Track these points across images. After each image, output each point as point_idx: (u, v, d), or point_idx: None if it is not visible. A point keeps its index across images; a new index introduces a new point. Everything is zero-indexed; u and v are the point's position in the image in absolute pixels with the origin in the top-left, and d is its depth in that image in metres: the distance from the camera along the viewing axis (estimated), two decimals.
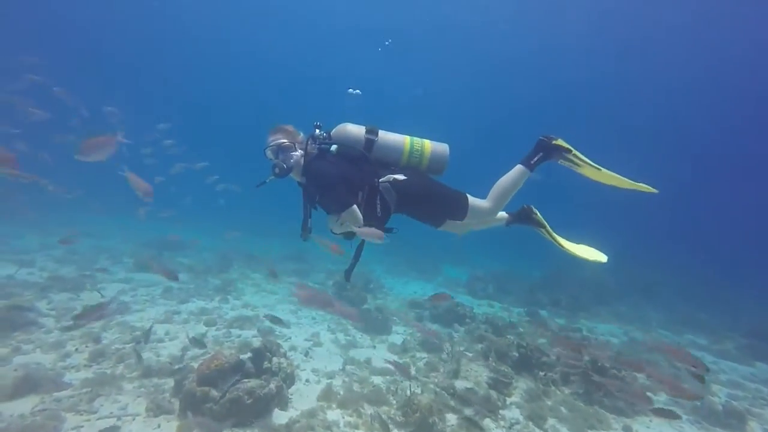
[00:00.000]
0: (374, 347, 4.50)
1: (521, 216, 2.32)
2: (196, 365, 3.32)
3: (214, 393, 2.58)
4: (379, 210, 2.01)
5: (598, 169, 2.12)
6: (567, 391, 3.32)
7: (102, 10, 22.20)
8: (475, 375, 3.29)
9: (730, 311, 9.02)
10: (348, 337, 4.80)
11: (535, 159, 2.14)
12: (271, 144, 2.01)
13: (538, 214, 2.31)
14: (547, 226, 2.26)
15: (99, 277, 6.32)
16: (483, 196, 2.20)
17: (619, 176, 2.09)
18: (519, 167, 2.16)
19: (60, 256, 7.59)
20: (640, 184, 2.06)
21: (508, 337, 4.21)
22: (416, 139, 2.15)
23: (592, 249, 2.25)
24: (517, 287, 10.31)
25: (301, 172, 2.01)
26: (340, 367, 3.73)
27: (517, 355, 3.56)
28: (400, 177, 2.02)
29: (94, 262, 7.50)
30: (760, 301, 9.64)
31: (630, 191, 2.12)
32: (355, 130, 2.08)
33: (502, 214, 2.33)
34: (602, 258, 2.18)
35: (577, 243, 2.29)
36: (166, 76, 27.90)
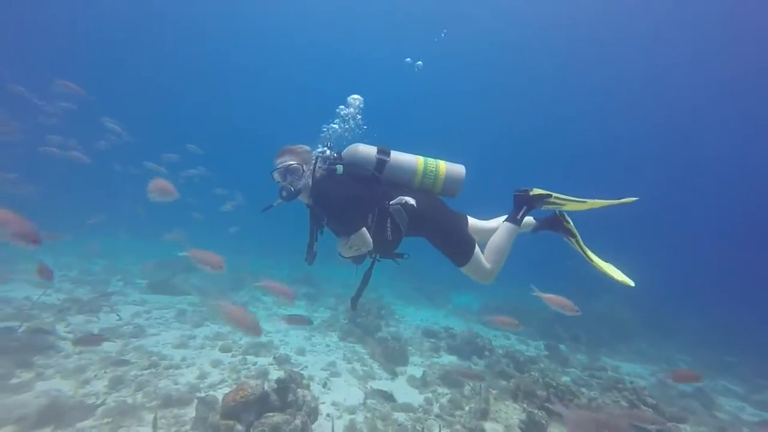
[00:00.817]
0: (393, 379, 4.39)
1: (552, 223, 2.22)
2: (215, 394, 3.29)
3: (239, 428, 2.54)
4: (389, 233, 1.94)
5: (583, 201, 2.09)
6: None
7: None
8: (506, 416, 3.16)
9: (756, 354, 8.63)
10: (365, 368, 4.70)
11: (520, 214, 2.11)
12: (279, 167, 1.95)
13: (570, 222, 2.20)
14: (578, 236, 2.16)
15: (113, 300, 6.37)
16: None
17: (603, 201, 2.08)
18: (507, 225, 2.11)
19: (75, 277, 7.71)
20: (623, 199, 2.08)
21: (533, 374, 4.08)
22: (430, 160, 2.08)
23: (619, 271, 2.14)
24: (533, 318, 10.08)
25: (311, 192, 1.95)
26: (361, 401, 3.63)
27: (545, 395, 3.42)
28: (411, 201, 1.94)
29: (107, 283, 7.58)
30: None
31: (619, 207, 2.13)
32: (366, 150, 2.02)
33: (529, 219, 2.23)
34: (629, 282, 2.05)
35: (605, 261, 2.19)
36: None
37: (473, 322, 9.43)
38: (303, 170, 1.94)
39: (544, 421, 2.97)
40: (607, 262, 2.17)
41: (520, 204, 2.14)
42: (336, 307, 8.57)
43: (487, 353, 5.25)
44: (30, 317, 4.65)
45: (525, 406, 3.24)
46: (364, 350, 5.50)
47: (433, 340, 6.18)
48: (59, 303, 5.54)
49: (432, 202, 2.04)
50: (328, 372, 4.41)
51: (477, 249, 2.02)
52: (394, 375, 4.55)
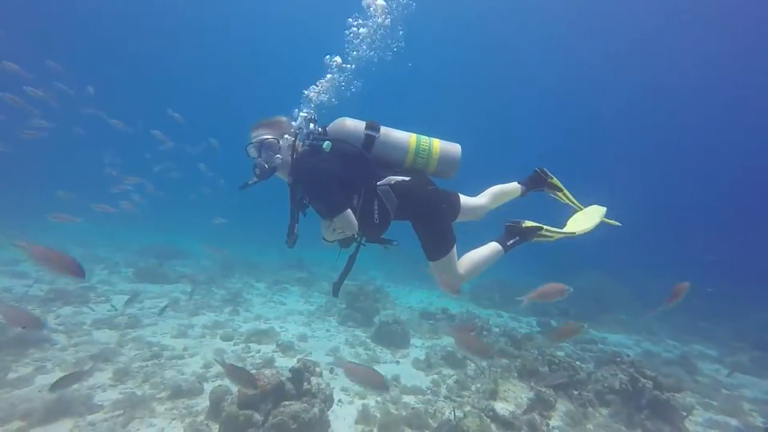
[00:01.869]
0: (398, 362, 4.56)
1: (535, 181, 2.27)
2: (226, 384, 3.34)
3: (257, 417, 2.60)
4: (376, 216, 1.82)
5: (572, 233, 2.14)
6: (605, 411, 3.39)
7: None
8: (514, 395, 3.33)
9: (731, 321, 9.39)
10: (368, 352, 4.84)
11: (511, 242, 2.08)
12: (253, 140, 1.79)
13: (554, 177, 2.27)
14: (565, 189, 2.27)
15: (100, 289, 6.21)
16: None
17: (589, 226, 2.17)
18: (495, 246, 2.06)
19: None
20: (610, 220, 2.27)
21: (532, 351, 4.32)
22: (423, 138, 1.95)
23: (601, 211, 2.29)
24: (522, 293, 10.56)
25: (291, 170, 1.80)
26: None
27: (548, 370, 3.65)
28: (402, 178, 1.84)
29: (91, 272, 7.34)
30: (764, 311, 10.04)
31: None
32: (354, 125, 1.88)
33: (514, 185, 2.27)
34: (616, 222, 2.28)
35: (585, 207, 2.35)
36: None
37: (466, 302, 9.80)
38: (280, 145, 1.78)
39: (552, 399, 3.18)
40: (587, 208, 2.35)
41: (512, 234, 2.11)
42: (330, 291, 8.67)
43: (485, 333, 5.50)
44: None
45: (533, 384, 3.44)
46: (364, 334, 5.65)
47: (431, 322, 6.40)
48: (43, 294, 5.36)
49: (424, 183, 1.93)
50: (333, 357, 4.53)
51: (455, 250, 1.93)
52: (398, 359, 4.71)
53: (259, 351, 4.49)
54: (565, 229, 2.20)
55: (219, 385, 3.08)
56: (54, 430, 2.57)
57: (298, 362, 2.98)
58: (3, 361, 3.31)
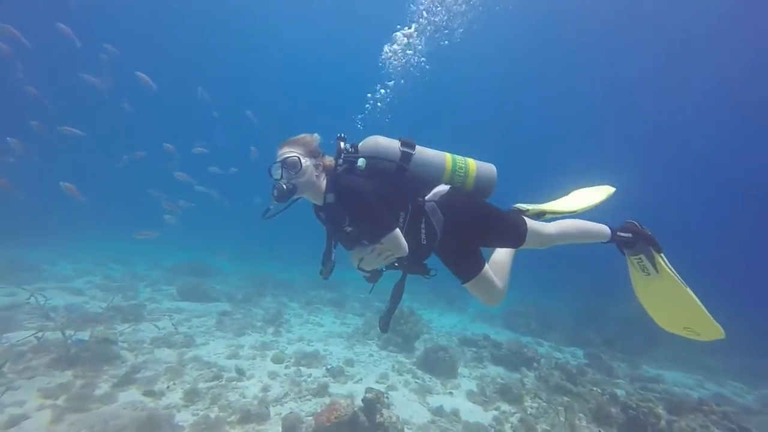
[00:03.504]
0: (451, 394, 4.58)
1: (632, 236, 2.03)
2: (297, 412, 3.49)
3: None
4: (423, 236, 1.74)
5: (685, 286, 1.94)
6: None
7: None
8: None
9: None
10: (417, 380, 4.89)
11: (624, 236, 2.00)
12: (277, 160, 1.69)
13: (528, 206, 2.05)
14: (546, 209, 2.08)
15: (149, 307, 6.58)
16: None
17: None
18: (604, 227, 2.00)
19: (101, 283, 7.91)
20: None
21: (594, 389, 4.24)
22: (459, 157, 1.92)
23: (596, 187, 2.19)
24: (557, 322, 10.31)
25: (327, 189, 1.74)
26: (429, 420, 3.80)
27: (624, 417, 3.46)
28: (443, 189, 1.81)
29: (135, 289, 7.78)
30: None
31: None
32: (388, 142, 1.83)
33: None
34: (611, 189, 2.15)
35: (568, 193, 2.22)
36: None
37: (500, 327, 9.67)
38: (301, 164, 1.66)
39: None
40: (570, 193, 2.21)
41: (630, 231, 2.04)
42: (363, 312, 8.78)
43: (535, 364, 5.44)
44: (81, 326, 4.85)
45: None
46: (407, 360, 5.70)
47: (474, 349, 6.37)
48: (102, 311, 5.74)
49: (466, 194, 1.89)
50: (384, 385, 4.60)
51: (529, 221, 1.91)
52: (449, 389, 4.73)
53: (310, 375, 4.63)
54: (680, 278, 1.96)
55: (291, 412, 3.22)
56: None
57: (368, 393, 3.09)
58: (86, 377, 3.59)
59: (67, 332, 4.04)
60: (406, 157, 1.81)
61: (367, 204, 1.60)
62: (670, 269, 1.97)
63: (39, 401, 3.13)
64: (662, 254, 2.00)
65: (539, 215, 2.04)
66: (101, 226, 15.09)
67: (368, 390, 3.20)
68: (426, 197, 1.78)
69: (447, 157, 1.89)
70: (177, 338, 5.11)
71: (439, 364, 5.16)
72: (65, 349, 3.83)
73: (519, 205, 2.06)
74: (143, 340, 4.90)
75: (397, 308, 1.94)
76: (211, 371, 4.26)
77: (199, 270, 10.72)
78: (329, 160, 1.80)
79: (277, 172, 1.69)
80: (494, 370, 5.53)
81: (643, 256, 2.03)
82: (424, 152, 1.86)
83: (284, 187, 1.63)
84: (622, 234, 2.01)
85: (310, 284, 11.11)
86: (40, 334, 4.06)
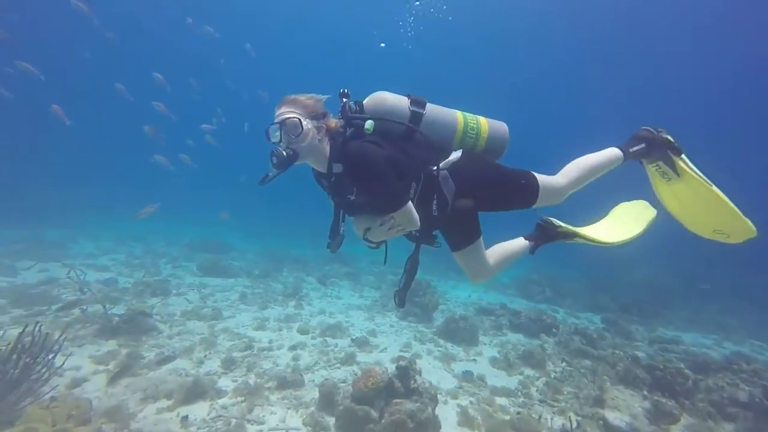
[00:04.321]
0: (474, 360, 4.77)
1: (544, 234, 2.07)
2: (333, 379, 3.69)
3: (374, 413, 2.86)
4: (435, 208, 1.65)
5: (710, 185, 1.83)
6: (730, 427, 3.14)
7: None
8: (626, 405, 3.21)
9: None
10: (440, 349, 5.09)
11: (636, 148, 1.90)
12: (274, 121, 1.55)
13: (562, 224, 2.03)
14: (580, 232, 2.00)
15: (174, 283, 6.84)
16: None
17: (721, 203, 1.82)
18: (613, 151, 1.91)
19: (125, 260, 8.20)
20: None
21: (617, 352, 4.38)
22: (470, 116, 1.80)
23: (636, 208, 2.11)
24: (570, 289, 10.49)
25: (332, 157, 1.59)
26: (456, 385, 3.99)
27: (650, 378, 3.52)
28: (456, 156, 1.67)
29: (157, 266, 8.06)
30: None
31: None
32: (396, 100, 1.67)
33: (521, 241, 2.07)
34: (653, 212, 2.04)
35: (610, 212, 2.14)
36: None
37: (515, 296, 9.88)
38: (302, 127, 1.51)
39: (676, 411, 3.01)
40: (613, 210, 2.15)
41: (641, 139, 1.94)
42: (379, 285, 9.01)
43: (554, 330, 5.61)
44: (116, 300, 5.10)
45: (645, 393, 3.39)
46: (428, 330, 5.91)
47: (492, 318, 6.56)
48: (131, 287, 6.00)
49: (476, 159, 1.79)
50: (409, 353, 4.81)
51: (539, 175, 1.83)
52: (472, 356, 4.93)
53: (336, 345, 4.85)
54: (704, 177, 1.88)
55: (326, 379, 3.42)
56: (196, 409, 3.01)
57: (402, 361, 3.24)
58: (129, 346, 3.83)
59: (107, 306, 4.26)
60: (416, 117, 1.67)
61: (379, 175, 1.48)
62: (693, 170, 1.86)
63: (92, 366, 3.38)
64: (683, 156, 1.89)
65: (570, 236, 1.99)
66: (113, 207, 15.46)
67: (400, 358, 3.35)
68: (439, 165, 1.65)
69: (458, 117, 1.76)
70: (206, 311, 5.35)
71: (459, 333, 5.35)
72: (107, 321, 4.06)
73: (552, 219, 2.05)
74: (174, 314, 5.15)
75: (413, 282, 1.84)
76: (243, 341, 4.49)
77: (215, 247, 10.99)
78: (333, 122, 1.63)
79: (275, 135, 1.54)
80: (514, 338, 5.71)
81: (661, 163, 1.94)
82: (434, 111, 1.73)
83: (284, 153, 1.48)
84: (634, 149, 1.92)
85: (324, 259, 11.34)
86: (85, 306, 4.29)
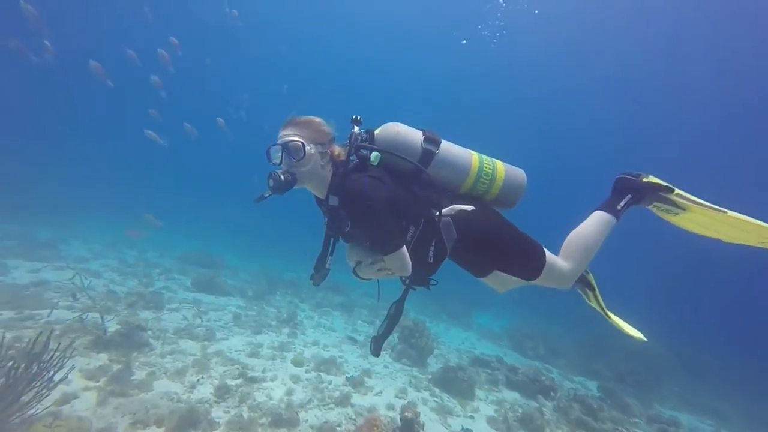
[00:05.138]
0: (472, 417, 4.64)
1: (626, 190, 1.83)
2: (330, 423, 3.56)
3: None
4: (431, 255, 1.57)
5: (722, 211, 1.67)
6: None
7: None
8: None
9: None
10: (436, 399, 4.95)
11: (623, 203, 1.74)
12: (277, 142, 1.51)
13: (589, 273, 1.93)
14: (597, 290, 1.92)
15: (167, 296, 6.68)
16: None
17: (750, 221, 1.63)
18: (602, 215, 1.74)
19: (116, 267, 8.03)
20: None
21: (619, 428, 4.29)
22: (486, 158, 1.71)
23: (632, 327, 1.99)
24: (563, 348, 10.39)
25: (331, 187, 1.53)
26: None
27: None
28: (468, 208, 1.59)
29: (150, 276, 7.89)
30: None
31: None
32: (410, 134, 1.59)
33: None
34: (642, 337, 1.93)
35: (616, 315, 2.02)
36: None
37: (508, 349, 9.72)
38: (304, 151, 1.47)
39: None
40: (617, 316, 2.00)
41: (624, 190, 1.78)
42: (372, 320, 8.87)
43: (553, 394, 5.50)
44: (108, 310, 4.96)
45: None
46: (422, 375, 5.77)
47: (488, 371, 6.43)
48: (124, 296, 5.85)
49: (489, 211, 1.70)
50: (404, 400, 4.67)
51: (549, 255, 1.70)
52: (468, 412, 4.79)
53: (330, 382, 4.70)
54: (712, 205, 1.70)
55: (325, 422, 3.31)
56: None
57: (407, 412, 3.16)
58: (120, 362, 3.69)
59: (104, 316, 4.15)
60: (427, 156, 1.58)
61: (374, 213, 1.42)
62: (697, 202, 1.71)
63: (83, 382, 3.23)
64: (677, 191, 1.74)
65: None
66: (106, 207, 15.31)
67: (405, 408, 3.28)
68: (442, 211, 1.56)
69: (473, 159, 1.67)
70: (199, 331, 5.21)
71: (456, 384, 5.23)
72: (102, 332, 3.93)
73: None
74: (166, 329, 5.00)
75: (395, 328, 1.78)
76: (236, 368, 4.35)
77: (208, 262, 10.83)
78: (338, 149, 1.59)
79: (276, 156, 1.51)
80: (510, 396, 5.58)
81: (658, 203, 1.80)
82: (448, 151, 1.63)
83: (282, 177, 1.46)
84: (622, 204, 1.76)
85: (320, 288, 11.19)
86: (84, 315, 4.17)
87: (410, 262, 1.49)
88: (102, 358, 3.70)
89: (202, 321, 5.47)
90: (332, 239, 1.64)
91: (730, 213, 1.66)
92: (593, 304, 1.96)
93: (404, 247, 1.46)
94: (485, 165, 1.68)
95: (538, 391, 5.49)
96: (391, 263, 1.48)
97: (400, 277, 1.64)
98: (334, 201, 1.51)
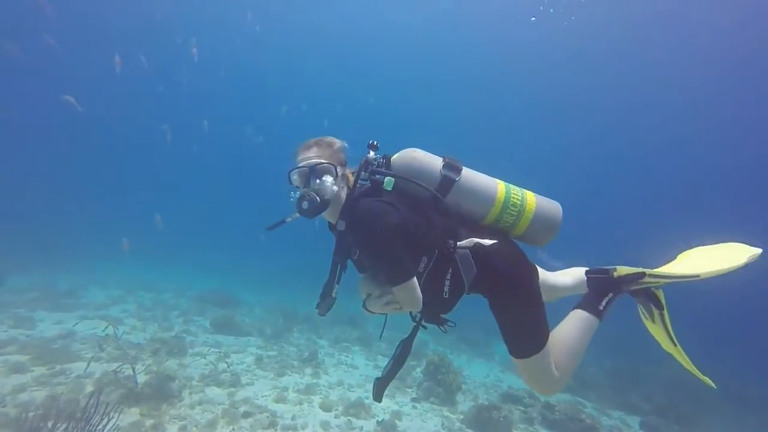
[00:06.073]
0: None
1: (599, 286, 1.69)
2: None
3: None
4: (446, 289, 1.46)
5: (695, 275, 1.55)
6: None
7: None
8: None
9: None
10: None
11: (604, 303, 1.62)
12: (301, 164, 1.45)
13: (661, 287, 1.67)
14: (666, 309, 1.66)
15: (188, 340, 6.66)
16: None
17: (723, 267, 1.54)
18: (583, 315, 1.61)
19: (135, 311, 8.10)
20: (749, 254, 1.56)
21: None
22: (514, 188, 1.59)
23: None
24: (591, 379, 9.89)
25: (342, 212, 1.46)
26: None
27: None
28: (487, 241, 1.46)
29: (168, 320, 7.92)
30: None
31: None
32: (428, 160, 1.52)
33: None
34: (711, 383, 1.73)
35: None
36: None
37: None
38: (336, 174, 1.44)
39: None
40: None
41: (601, 289, 1.66)
42: (390, 352, 8.65)
43: None
44: (135, 359, 4.95)
45: None
46: (453, 415, 5.56)
47: (520, 408, 6.17)
48: (146, 343, 5.85)
49: (514, 251, 1.56)
50: None
51: (549, 344, 1.51)
52: None
53: (362, 428, 4.56)
54: (680, 270, 1.63)
55: None
56: None
57: None
58: (152, 416, 3.65)
59: (135, 368, 4.15)
60: (446, 184, 1.50)
61: (381, 238, 1.35)
62: (667, 275, 1.61)
63: None
64: (648, 272, 1.62)
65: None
66: (122, 252, 15.49)
67: None
68: (460, 242, 1.45)
69: (500, 188, 1.56)
70: (224, 377, 5.14)
71: (492, 425, 5.02)
72: (134, 385, 3.92)
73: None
74: (191, 377, 4.95)
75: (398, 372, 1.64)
76: (266, 416, 4.25)
77: (223, 300, 10.83)
78: (350, 173, 1.55)
79: (301, 180, 1.45)
80: None
81: (637, 298, 1.70)
82: (470, 179, 1.54)
83: (317, 199, 1.37)
84: (604, 305, 1.63)
85: (334, 320, 11.00)
86: (119, 369, 4.16)
87: (421, 296, 1.39)
88: (134, 413, 3.67)
89: (228, 366, 5.40)
90: (339, 267, 1.57)
91: (703, 273, 1.55)
92: (656, 327, 1.69)
93: (414, 279, 1.37)
94: (513, 194, 1.56)
95: (579, 431, 5.23)
96: (400, 295, 1.38)
97: (410, 312, 1.56)
98: (341, 226, 1.45)
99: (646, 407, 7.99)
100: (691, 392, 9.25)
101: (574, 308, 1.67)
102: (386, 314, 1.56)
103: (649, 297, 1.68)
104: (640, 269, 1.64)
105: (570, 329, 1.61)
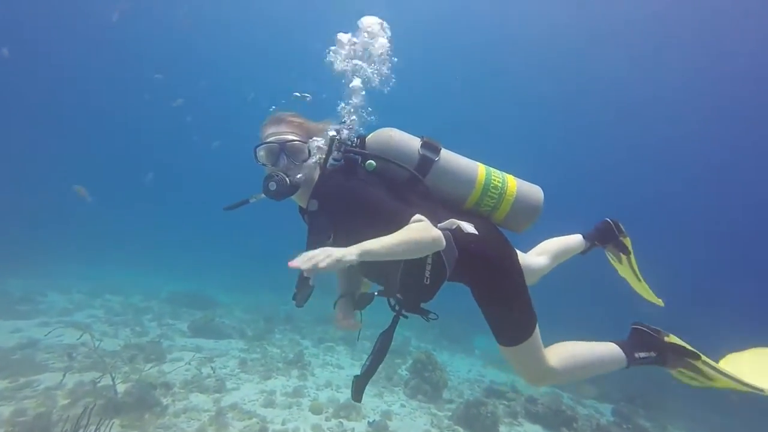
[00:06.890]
0: None
1: (605, 235, 1.90)
2: None
3: None
4: (428, 274, 1.37)
5: (761, 389, 1.52)
6: None
7: None
8: None
9: None
10: None
11: (642, 356, 1.59)
12: (270, 140, 1.36)
13: (627, 235, 1.89)
14: (632, 254, 1.90)
15: (166, 345, 6.36)
16: None
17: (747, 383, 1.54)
18: (615, 349, 1.60)
19: (104, 317, 7.63)
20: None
21: None
22: (495, 171, 1.55)
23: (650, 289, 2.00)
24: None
25: (313, 192, 1.39)
26: None
27: None
28: (470, 228, 1.37)
29: (142, 324, 7.53)
30: None
31: None
32: (405, 140, 1.46)
33: (577, 239, 1.90)
34: (660, 302, 1.94)
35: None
36: None
37: (511, 373, 9.65)
38: (309, 153, 1.37)
39: None
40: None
41: (646, 342, 1.63)
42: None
43: (575, 425, 5.50)
44: (113, 368, 4.66)
45: None
46: (441, 413, 5.66)
47: (504, 402, 6.37)
48: (121, 349, 5.54)
49: (495, 235, 1.51)
50: None
51: (537, 331, 1.47)
52: None
53: (353, 430, 4.56)
54: (745, 377, 1.55)
55: None
56: None
57: None
58: (134, 426, 3.47)
59: (114, 376, 3.92)
60: (425, 164, 1.44)
61: (358, 222, 1.29)
62: (725, 374, 1.54)
63: None
64: (704, 358, 1.56)
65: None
66: (76, 250, 14.43)
67: None
68: (441, 224, 1.35)
69: (480, 171, 1.52)
70: (208, 382, 4.97)
71: (480, 421, 5.15)
72: (113, 395, 3.70)
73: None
74: (173, 384, 4.73)
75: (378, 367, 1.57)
76: (256, 422, 4.15)
77: (198, 302, 10.42)
78: (327, 152, 1.47)
79: (269, 158, 1.36)
80: (533, 429, 5.55)
81: (683, 369, 1.62)
82: (450, 160, 1.50)
83: (287, 180, 1.30)
84: (641, 358, 1.59)
85: (316, 319, 10.89)
86: (97, 378, 3.89)
87: (437, 231, 1.26)
88: (116, 426, 3.46)
89: (213, 372, 5.21)
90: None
91: (755, 383, 1.51)
92: (623, 270, 1.92)
93: (423, 217, 1.27)
94: (494, 177, 1.53)
95: (561, 423, 5.49)
96: (399, 236, 1.21)
97: (389, 301, 1.50)
98: (313, 206, 1.37)
99: (615, 394, 8.49)
100: (655, 379, 9.95)
101: (612, 341, 1.63)
102: (361, 317, 1.52)
103: (618, 245, 1.93)
104: (695, 350, 1.56)
105: (595, 349, 1.59)
